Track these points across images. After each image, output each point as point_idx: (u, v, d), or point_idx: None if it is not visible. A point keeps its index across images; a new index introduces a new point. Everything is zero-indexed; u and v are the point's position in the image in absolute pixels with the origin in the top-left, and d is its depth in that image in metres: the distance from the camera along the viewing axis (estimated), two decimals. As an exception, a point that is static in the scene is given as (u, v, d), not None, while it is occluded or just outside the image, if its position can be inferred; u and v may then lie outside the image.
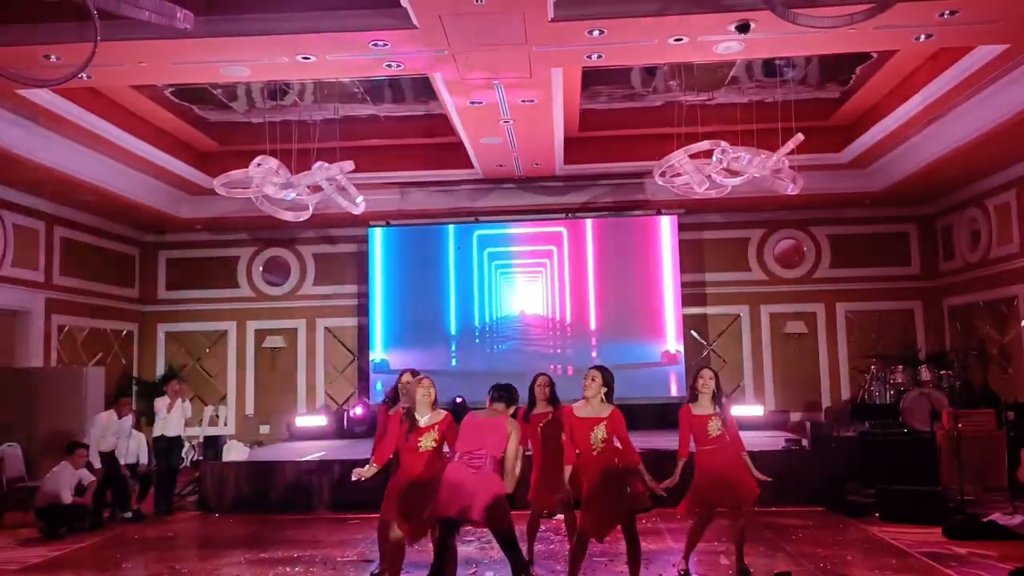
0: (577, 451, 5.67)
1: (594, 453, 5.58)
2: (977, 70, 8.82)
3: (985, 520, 7.54)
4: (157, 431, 9.74)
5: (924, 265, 14.13)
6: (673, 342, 13.52)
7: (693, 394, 6.31)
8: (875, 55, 9.69)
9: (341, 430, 13.33)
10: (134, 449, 9.87)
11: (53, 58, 7.74)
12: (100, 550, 7.96)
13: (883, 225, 14.20)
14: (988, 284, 12.39)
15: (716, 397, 6.23)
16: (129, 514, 9.38)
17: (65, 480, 8.69)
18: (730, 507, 6.25)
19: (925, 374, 11.78)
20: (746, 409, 12.90)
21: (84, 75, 7.51)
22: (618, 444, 5.64)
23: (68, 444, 9.09)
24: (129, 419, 9.80)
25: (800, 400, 13.94)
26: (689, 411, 6.26)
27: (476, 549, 7.51)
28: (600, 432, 5.58)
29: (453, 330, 13.89)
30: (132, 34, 7.35)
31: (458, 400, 11.87)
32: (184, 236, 14.79)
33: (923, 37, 7.86)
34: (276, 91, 10.37)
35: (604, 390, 5.67)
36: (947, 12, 7.26)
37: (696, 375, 6.35)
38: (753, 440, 10.38)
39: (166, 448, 9.71)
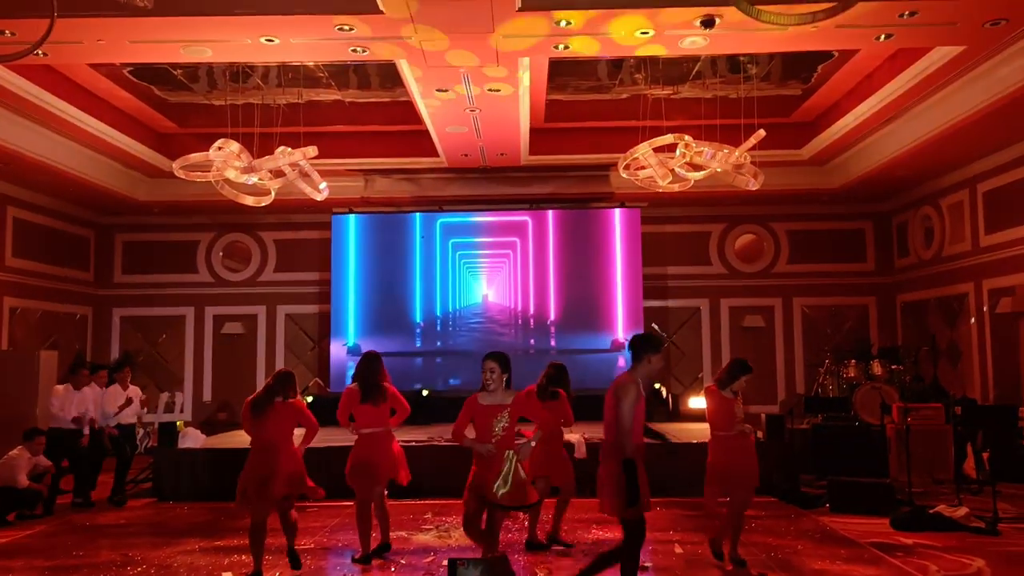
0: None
1: (494, 440, 5.62)
2: (934, 71, 9.01)
3: (931, 512, 7.74)
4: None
5: (879, 261, 14.44)
6: (622, 331, 13.63)
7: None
8: (836, 54, 9.85)
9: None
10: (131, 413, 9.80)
11: (7, 33, 7.53)
12: (50, 537, 7.81)
13: (840, 222, 14.47)
14: (940, 281, 12.70)
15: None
16: (80, 499, 9.22)
17: (21, 465, 8.52)
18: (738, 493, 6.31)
19: (877, 369, 12.03)
20: (703, 401, 13.05)
21: (40, 52, 7.29)
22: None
23: (27, 431, 8.89)
24: (93, 389, 9.53)
25: (756, 393, 14.16)
26: (718, 394, 6.44)
27: (434, 537, 7.53)
28: (503, 420, 5.63)
29: (418, 318, 13.86)
30: (91, 11, 7.20)
31: (418, 387, 11.80)
32: (142, 219, 14.52)
33: (883, 37, 8.01)
34: (239, 73, 10.21)
35: (504, 376, 5.66)
36: (907, 13, 7.41)
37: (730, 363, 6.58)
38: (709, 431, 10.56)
39: (119, 436, 9.57)
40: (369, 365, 6.52)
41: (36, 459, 8.74)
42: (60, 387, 9.48)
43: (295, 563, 6.21)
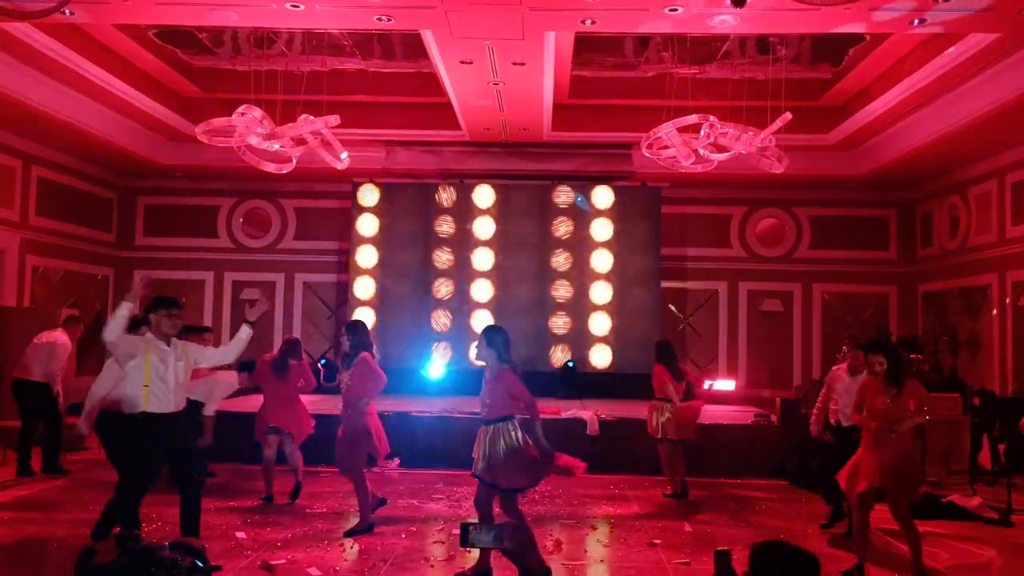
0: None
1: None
2: (968, 58, 8.85)
3: (944, 501, 7.72)
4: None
5: (901, 250, 14.28)
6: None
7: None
8: (867, 37, 9.68)
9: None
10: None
11: (35, -9, 7.53)
12: (69, 491, 7.96)
13: (864, 209, 14.31)
14: (963, 272, 12.55)
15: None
16: None
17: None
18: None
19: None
20: (719, 383, 13.07)
21: (67, 11, 7.32)
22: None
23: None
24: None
25: (772, 377, 14.13)
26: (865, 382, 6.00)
27: (445, 507, 7.60)
28: (485, 394, 5.58)
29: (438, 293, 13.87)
30: (118, -29, 7.18)
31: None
32: (163, 183, 14.59)
33: (918, 22, 7.86)
34: (263, 39, 10.18)
35: (493, 352, 5.56)
36: (943, -3, 7.26)
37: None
38: (723, 414, 10.59)
39: None
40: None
41: None
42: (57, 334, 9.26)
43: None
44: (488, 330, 5.66)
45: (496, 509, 5.56)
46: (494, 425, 5.46)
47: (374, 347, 6.97)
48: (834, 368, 7.48)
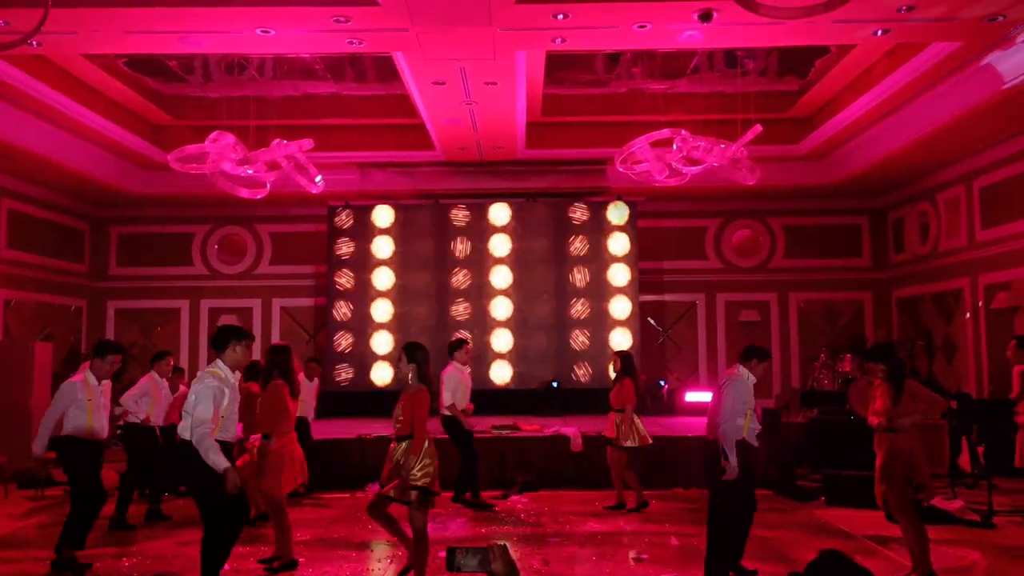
0: None
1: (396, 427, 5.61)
2: (932, 67, 9.01)
3: (926, 505, 7.75)
4: None
5: (875, 257, 14.46)
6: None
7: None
8: (833, 49, 9.84)
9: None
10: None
11: (1, 23, 7.48)
12: (47, 528, 7.78)
13: (837, 217, 14.49)
14: (936, 277, 12.72)
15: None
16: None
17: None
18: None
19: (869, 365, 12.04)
20: (700, 395, 13.10)
21: (33, 42, 7.28)
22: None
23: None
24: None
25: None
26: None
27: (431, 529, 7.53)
28: (398, 411, 5.60)
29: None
30: (85, 1, 7.15)
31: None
32: (136, 211, 14.47)
33: (880, 32, 8.01)
34: (234, 65, 10.17)
35: (413, 368, 5.60)
36: (904, 8, 7.41)
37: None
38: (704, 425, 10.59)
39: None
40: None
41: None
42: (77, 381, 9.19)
43: None
44: (409, 346, 5.70)
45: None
46: (406, 442, 5.47)
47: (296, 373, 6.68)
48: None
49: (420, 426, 5.48)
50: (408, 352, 5.63)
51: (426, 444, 5.48)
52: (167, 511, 8.08)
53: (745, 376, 5.77)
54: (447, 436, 8.26)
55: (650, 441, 8.23)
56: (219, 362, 5.16)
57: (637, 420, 8.20)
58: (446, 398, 8.20)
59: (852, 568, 2.14)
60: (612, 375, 8.46)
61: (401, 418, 5.52)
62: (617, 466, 8.22)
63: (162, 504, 8.13)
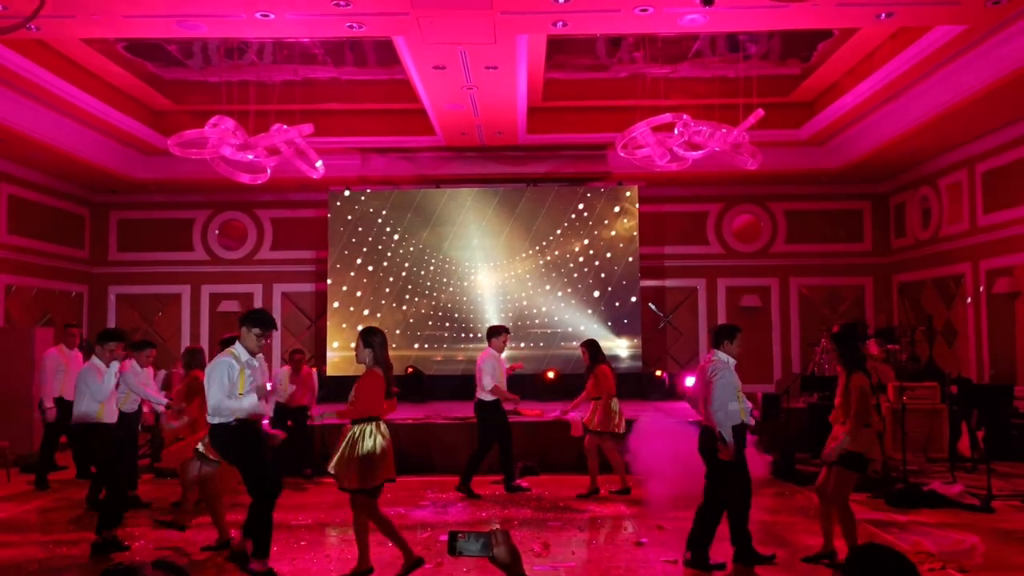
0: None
1: None
2: (935, 51, 8.96)
3: (926, 489, 7.79)
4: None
5: (876, 242, 14.43)
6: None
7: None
8: (836, 32, 9.78)
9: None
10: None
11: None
12: (48, 512, 7.83)
13: (838, 202, 14.45)
14: (937, 262, 12.70)
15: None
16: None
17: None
18: None
19: (873, 348, 12.06)
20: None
21: (32, 26, 7.25)
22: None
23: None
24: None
25: (753, 372, 14.20)
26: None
27: (432, 513, 7.57)
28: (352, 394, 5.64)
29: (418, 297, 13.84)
30: (83, -16, 7.11)
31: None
32: (136, 197, 14.44)
33: (884, 16, 7.95)
34: (234, 50, 10.12)
35: (369, 352, 5.61)
36: (908, -9, 7.35)
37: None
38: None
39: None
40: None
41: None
42: (52, 350, 9.50)
43: None
44: (365, 332, 5.71)
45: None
46: (358, 425, 5.51)
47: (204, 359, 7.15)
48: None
49: (364, 403, 5.52)
50: (364, 337, 5.64)
51: (372, 425, 5.49)
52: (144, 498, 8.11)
53: (726, 360, 5.80)
54: (475, 421, 8.49)
55: (622, 430, 8.25)
56: (237, 344, 5.58)
57: (616, 406, 8.23)
58: (486, 381, 8.30)
59: (893, 557, 2.14)
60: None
61: (354, 400, 5.56)
62: (592, 453, 8.28)
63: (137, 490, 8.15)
